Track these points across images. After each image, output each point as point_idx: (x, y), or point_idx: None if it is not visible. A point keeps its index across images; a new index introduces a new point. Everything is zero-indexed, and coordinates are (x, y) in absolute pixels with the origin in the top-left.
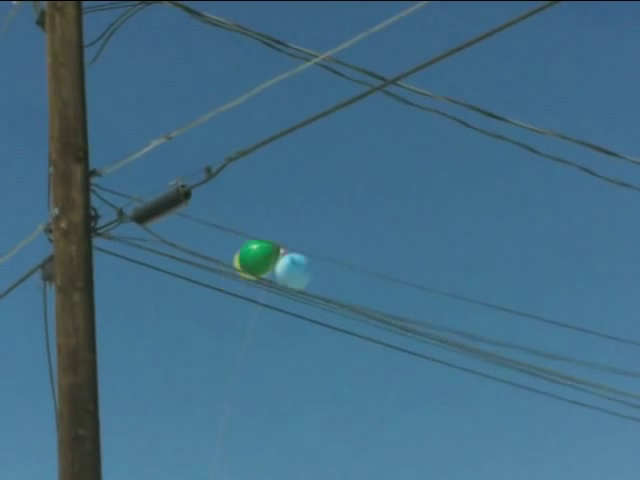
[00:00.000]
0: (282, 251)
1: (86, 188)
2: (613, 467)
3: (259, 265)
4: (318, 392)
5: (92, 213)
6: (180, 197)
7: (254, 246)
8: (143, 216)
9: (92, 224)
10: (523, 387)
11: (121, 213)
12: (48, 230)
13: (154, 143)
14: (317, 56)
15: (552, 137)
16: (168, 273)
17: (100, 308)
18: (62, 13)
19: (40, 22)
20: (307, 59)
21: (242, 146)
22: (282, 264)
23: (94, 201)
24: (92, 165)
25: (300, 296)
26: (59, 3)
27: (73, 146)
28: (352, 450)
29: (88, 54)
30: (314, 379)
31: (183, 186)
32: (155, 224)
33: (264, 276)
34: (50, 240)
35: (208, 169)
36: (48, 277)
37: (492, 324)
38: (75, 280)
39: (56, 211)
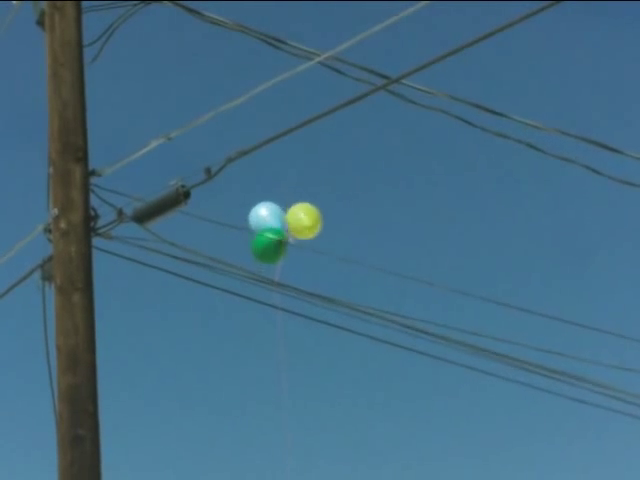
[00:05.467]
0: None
1: (86, 188)
2: (615, 464)
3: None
4: (324, 392)
5: (92, 213)
6: (180, 197)
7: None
8: (143, 216)
9: (92, 224)
10: (528, 385)
11: (121, 213)
12: (48, 230)
13: (154, 143)
14: (319, 55)
15: (555, 134)
16: (168, 272)
17: (100, 308)
18: (62, 13)
19: (40, 22)
20: (309, 58)
21: (242, 146)
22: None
23: (94, 201)
24: (92, 165)
25: (303, 296)
26: (59, 3)
27: (73, 146)
28: (355, 449)
29: (88, 54)
30: (320, 379)
31: (183, 186)
32: (155, 224)
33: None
34: (50, 240)
35: (208, 169)
36: (48, 277)
37: (495, 321)
38: (75, 280)
39: (56, 211)
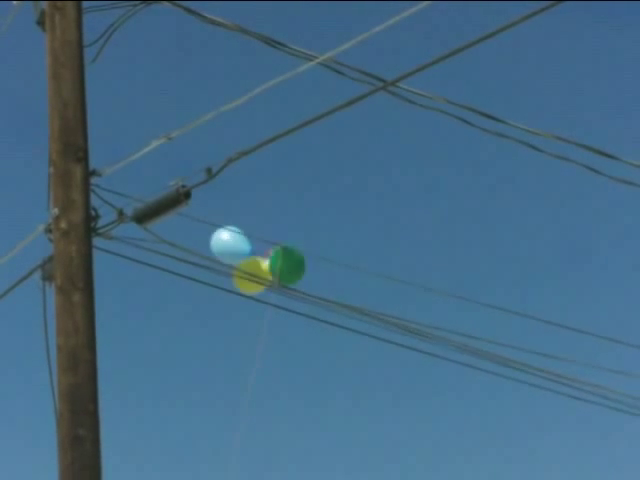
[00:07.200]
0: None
1: (86, 188)
2: (612, 465)
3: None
4: (324, 392)
5: (92, 213)
6: (180, 197)
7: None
8: (143, 216)
9: (92, 224)
10: (526, 384)
11: (121, 213)
12: (48, 230)
13: (154, 143)
14: (318, 57)
15: (552, 139)
16: (168, 272)
17: (100, 308)
18: (62, 13)
19: (40, 22)
20: (308, 59)
21: (243, 146)
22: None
23: (94, 201)
24: (92, 165)
25: (303, 297)
26: (59, 3)
27: (73, 146)
28: (354, 449)
29: (88, 54)
30: (320, 379)
31: (183, 186)
32: (155, 224)
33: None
34: (50, 240)
35: (208, 169)
36: (48, 277)
37: (493, 324)
38: (75, 280)
39: (56, 211)
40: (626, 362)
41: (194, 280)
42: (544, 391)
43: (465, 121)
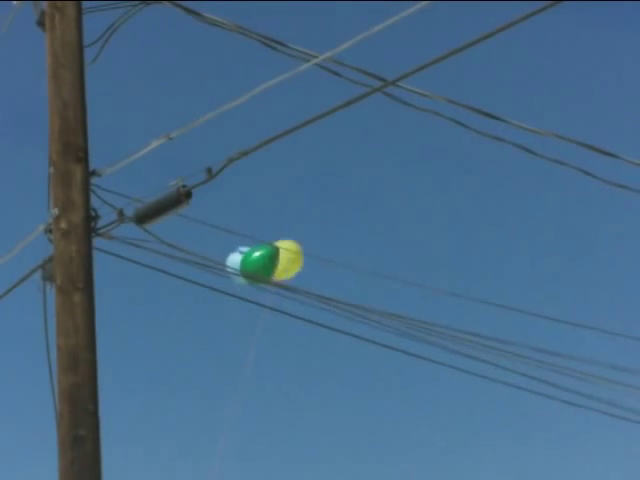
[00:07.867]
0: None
1: (86, 188)
2: (609, 465)
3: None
4: (321, 393)
5: (92, 213)
6: (181, 197)
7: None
8: (143, 216)
9: (92, 224)
10: (523, 388)
11: (121, 213)
12: (48, 230)
13: (154, 143)
14: (317, 57)
15: (550, 138)
16: (168, 274)
17: (100, 308)
18: (62, 13)
19: (40, 22)
20: (307, 60)
21: (243, 146)
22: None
23: (94, 201)
24: (92, 165)
25: (303, 298)
26: (59, 3)
27: (73, 146)
28: (352, 450)
29: (88, 54)
30: (317, 380)
31: (184, 186)
32: (155, 225)
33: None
34: (50, 240)
35: (209, 169)
36: (48, 277)
37: (492, 322)
38: (75, 280)
39: (56, 211)
40: (625, 359)
41: (193, 282)
42: (542, 393)
43: (461, 124)
